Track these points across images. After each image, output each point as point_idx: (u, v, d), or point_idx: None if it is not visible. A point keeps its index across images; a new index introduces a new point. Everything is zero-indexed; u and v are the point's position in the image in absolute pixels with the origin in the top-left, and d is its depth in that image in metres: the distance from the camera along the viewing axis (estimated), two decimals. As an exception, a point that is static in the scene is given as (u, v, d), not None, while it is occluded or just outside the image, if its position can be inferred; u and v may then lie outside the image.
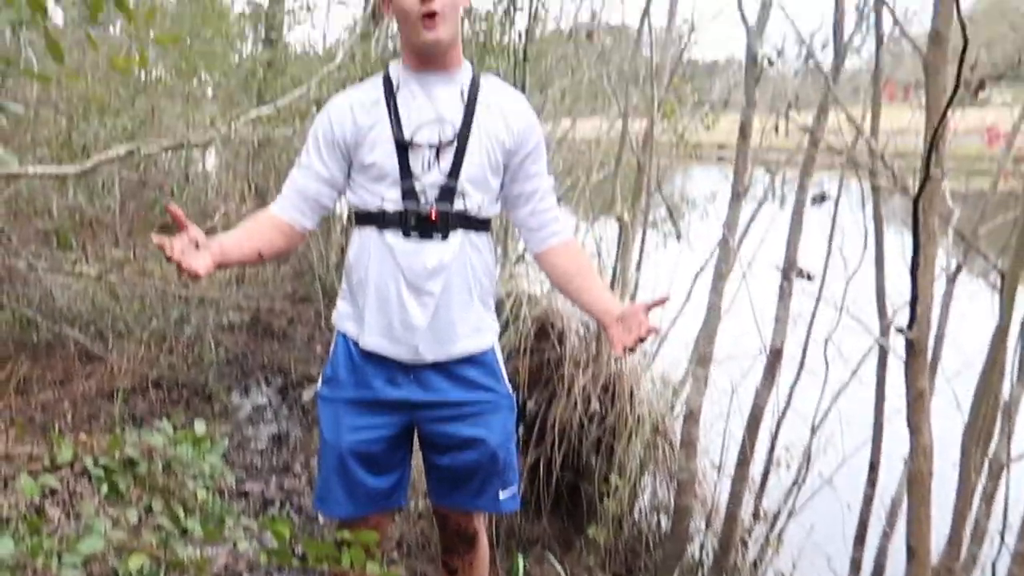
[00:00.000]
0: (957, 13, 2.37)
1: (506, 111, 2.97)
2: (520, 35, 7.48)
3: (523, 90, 7.33)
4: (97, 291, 7.47)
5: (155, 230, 10.38)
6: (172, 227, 2.69)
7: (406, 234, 2.88)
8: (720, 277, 5.03)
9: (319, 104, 7.11)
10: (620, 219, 6.40)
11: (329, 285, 8.69)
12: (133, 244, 9.45)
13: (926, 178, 2.60)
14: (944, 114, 2.42)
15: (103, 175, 8.66)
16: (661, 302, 2.89)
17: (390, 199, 2.87)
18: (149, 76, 9.94)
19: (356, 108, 2.91)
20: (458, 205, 2.89)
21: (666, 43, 7.65)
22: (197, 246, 2.68)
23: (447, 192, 2.87)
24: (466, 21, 7.38)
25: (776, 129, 5.88)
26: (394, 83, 2.90)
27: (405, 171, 2.86)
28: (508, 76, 7.86)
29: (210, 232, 2.78)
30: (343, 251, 8.75)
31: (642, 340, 2.87)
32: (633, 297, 6.35)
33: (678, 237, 8.86)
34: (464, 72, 2.95)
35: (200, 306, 8.25)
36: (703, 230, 8.41)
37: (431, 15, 2.76)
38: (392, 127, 2.85)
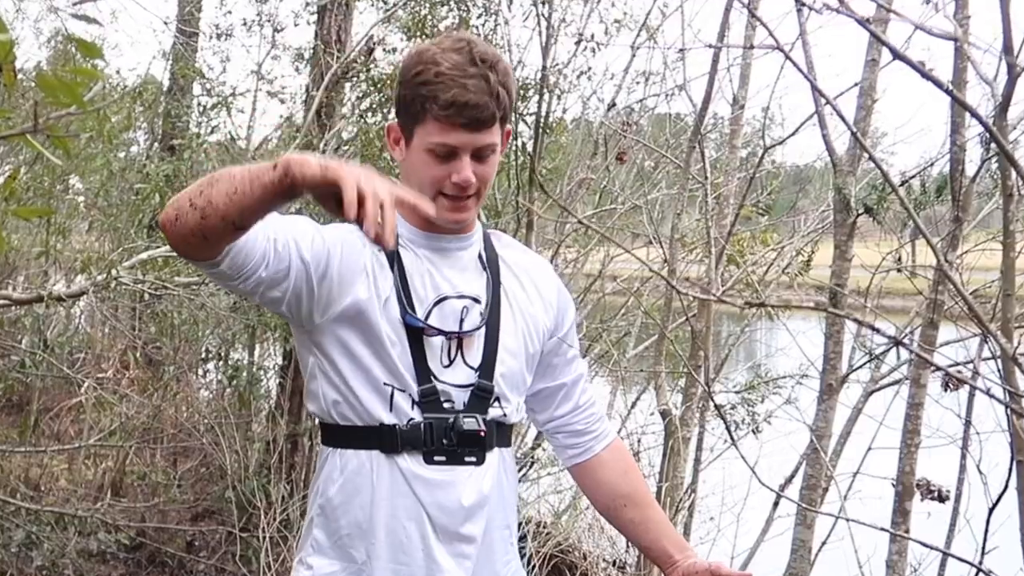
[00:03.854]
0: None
1: (536, 279, 3.17)
2: (523, 146, 7.81)
3: (529, 225, 7.64)
4: (-92, 503, 7.59)
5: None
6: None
7: (429, 459, 2.95)
8: (810, 501, 5.19)
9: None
10: (666, 413, 6.59)
11: (249, 494, 8.78)
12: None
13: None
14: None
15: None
16: None
17: (400, 405, 2.94)
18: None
19: (370, 247, 2.93)
20: (494, 412, 3.02)
21: (730, 153, 7.99)
22: None
23: (481, 396, 3.00)
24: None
25: (899, 264, 6.08)
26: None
27: (422, 368, 2.94)
28: (507, 201, 8.20)
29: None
30: (268, 447, 8.89)
31: None
32: (687, 525, 6.48)
33: (755, 431, 9.05)
34: (477, 230, 3.11)
35: (58, 525, 8.35)
36: (788, 422, 8.58)
37: (463, 197, 2.92)
38: (401, 302, 2.94)
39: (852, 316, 4.06)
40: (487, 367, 2.99)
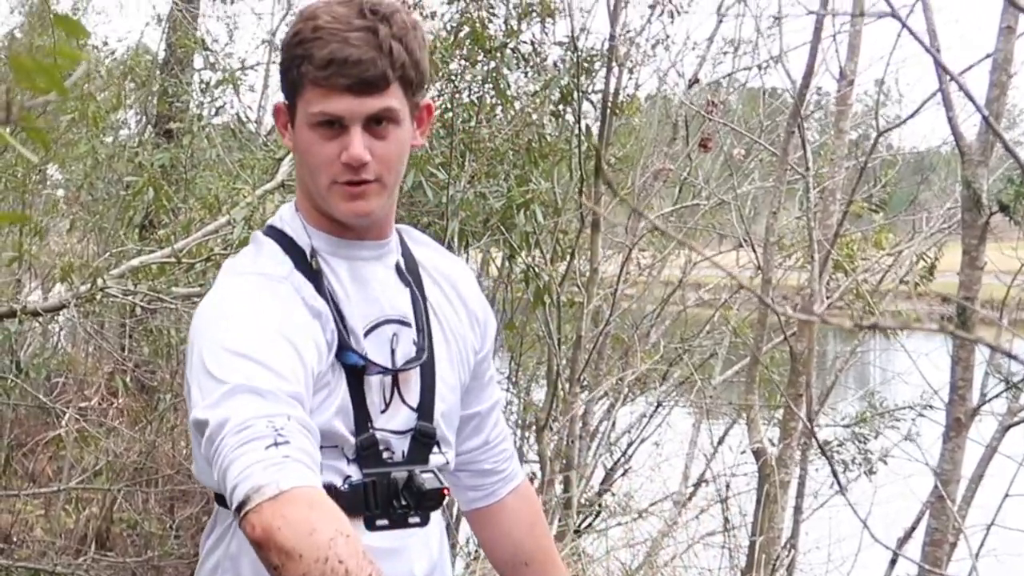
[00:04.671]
0: None
1: (459, 288, 3.17)
2: (587, 130, 7.82)
3: (595, 225, 7.65)
4: None
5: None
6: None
7: (370, 524, 2.91)
8: (934, 560, 5.17)
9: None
10: (760, 452, 6.57)
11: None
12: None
13: None
14: None
15: None
16: None
17: (331, 464, 2.88)
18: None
19: (324, 316, 2.87)
20: (436, 460, 3.01)
21: (837, 137, 7.97)
22: None
23: (422, 442, 2.99)
24: (498, 110, 7.75)
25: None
26: (305, 255, 2.95)
27: (361, 415, 2.92)
28: (568, 196, 8.20)
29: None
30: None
31: None
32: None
33: (868, 473, 9.01)
34: (394, 232, 3.09)
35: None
36: (908, 463, 8.55)
37: (359, 182, 2.85)
38: (341, 337, 2.89)
39: (983, 340, 4.05)
40: (426, 406, 2.97)
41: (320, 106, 2.76)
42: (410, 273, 3.02)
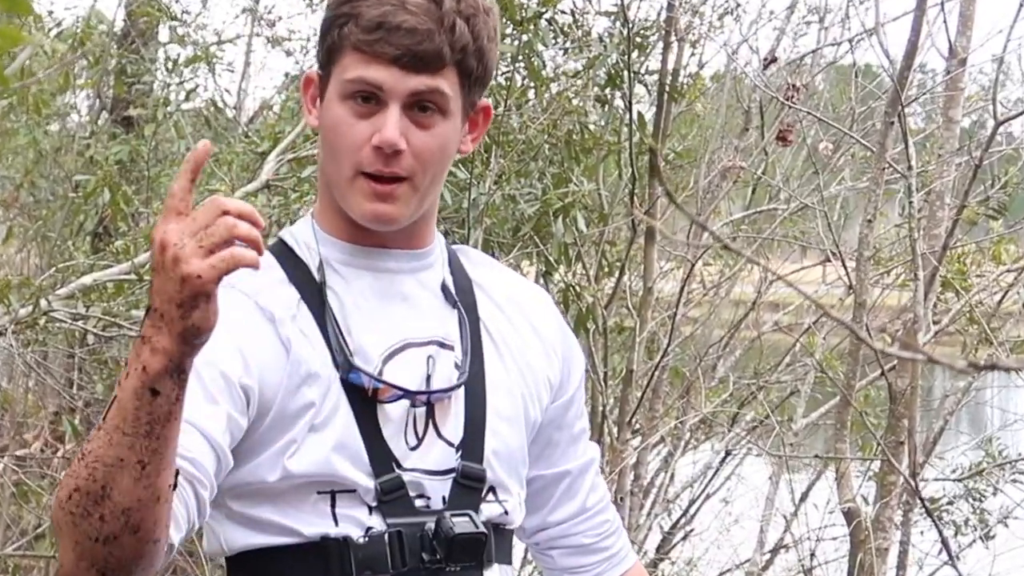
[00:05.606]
0: None
1: (529, 312, 3.17)
2: (640, 118, 7.81)
3: (650, 234, 7.65)
4: None
5: None
6: None
7: None
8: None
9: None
10: (853, 513, 6.57)
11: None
12: None
13: None
14: None
15: None
16: None
17: (348, 514, 2.89)
18: None
19: (280, 318, 2.87)
20: (490, 510, 2.98)
21: (946, 128, 7.98)
22: None
23: (468, 487, 2.95)
24: (531, 94, 7.75)
25: None
26: (312, 269, 2.96)
27: (379, 452, 2.88)
28: (616, 198, 8.22)
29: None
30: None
31: None
32: None
33: (985, 538, 9.00)
34: (437, 246, 3.10)
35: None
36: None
37: (387, 179, 2.84)
38: (334, 356, 2.88)
39: None
40: (473, 442, 2.93)
41: (358, 71, 2.76)
42: (460, 293, 3.01)
